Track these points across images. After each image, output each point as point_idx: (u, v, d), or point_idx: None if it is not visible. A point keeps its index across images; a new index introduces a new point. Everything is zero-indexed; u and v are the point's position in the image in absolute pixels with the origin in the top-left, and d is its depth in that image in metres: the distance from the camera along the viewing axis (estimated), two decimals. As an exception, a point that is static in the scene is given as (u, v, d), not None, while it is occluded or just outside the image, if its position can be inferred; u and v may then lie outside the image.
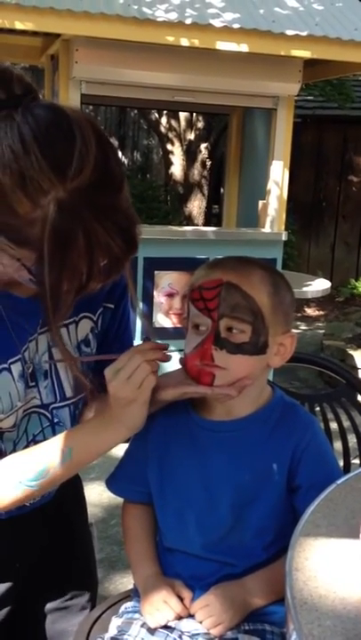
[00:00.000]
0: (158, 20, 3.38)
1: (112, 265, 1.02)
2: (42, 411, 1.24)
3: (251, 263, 1.24)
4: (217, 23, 3.46)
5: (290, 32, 3.54)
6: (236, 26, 3.48)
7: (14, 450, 1.21)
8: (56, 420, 1.25)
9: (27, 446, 1.23)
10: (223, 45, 3.53)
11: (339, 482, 1.19)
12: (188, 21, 3.42)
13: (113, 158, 1.00)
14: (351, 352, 5.19)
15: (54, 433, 1.25)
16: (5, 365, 1.16)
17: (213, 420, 1.26)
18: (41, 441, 1.23)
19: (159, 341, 1.19)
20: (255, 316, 1.18)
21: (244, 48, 3.55)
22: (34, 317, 1.17)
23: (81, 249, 0.96)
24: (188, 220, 7.67)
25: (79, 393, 1.26)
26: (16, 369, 1.18)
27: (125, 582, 2.56)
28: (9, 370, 1.17)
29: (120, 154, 9.79)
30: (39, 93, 1.03)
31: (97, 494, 2.99)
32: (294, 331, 1.26)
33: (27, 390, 1.21)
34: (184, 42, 3.48)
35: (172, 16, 3.42)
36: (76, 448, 1.15)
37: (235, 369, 1.18)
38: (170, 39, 3.46)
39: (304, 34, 3.56)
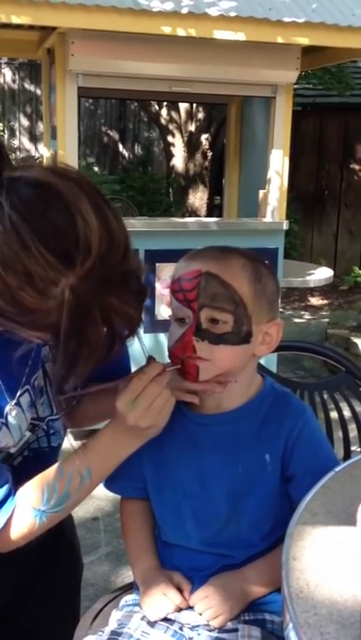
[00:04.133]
0: (154, 10, 3.35)
1: (129, 325, 0.99)
2: (38, 422, 1.22)
3: (231, 252, 1.21)
4: (213, 12, 3.43)
5: (287, 19, 3.51)
6: (232, 14, 3.44)
7: (9, 457, 1.19)
8: (52, 432, 1.24)
9: (20, 454, 1.21)
10: (220, 34, 3.49)
11: (337, 469, 1.18)
12: (184, 11, 3.39)
13: (112, 218, 0.94)
14: (356, 340, 5.18)
15: (49, 442, 1.24)
16: (16, 401, 1.15)
17: (204, 413, 1.25)
18: (36, 449, 1.23)
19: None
20: (236, 305, 1.15)
21: (241, 36, 3.51)
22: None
23: (99, 324, 0.93)
24: (191, 212, 7.64)
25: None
26: (25, 400, 1.17)
27: (132, 576, 2.55)
28: (19, 404, 1.15)
29: (120, 147, 9.77)
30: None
31: (103, 487, 2.98)
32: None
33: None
34: (180, 32, 3.45)
35: (168, 6, 3.39)
36: (95, 467, 1.14)
37: (219, 360, 1.16)
38: (166, 29, 3.43)
39: (301, 20, 3.53)
